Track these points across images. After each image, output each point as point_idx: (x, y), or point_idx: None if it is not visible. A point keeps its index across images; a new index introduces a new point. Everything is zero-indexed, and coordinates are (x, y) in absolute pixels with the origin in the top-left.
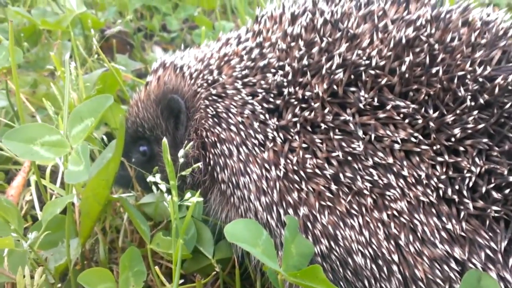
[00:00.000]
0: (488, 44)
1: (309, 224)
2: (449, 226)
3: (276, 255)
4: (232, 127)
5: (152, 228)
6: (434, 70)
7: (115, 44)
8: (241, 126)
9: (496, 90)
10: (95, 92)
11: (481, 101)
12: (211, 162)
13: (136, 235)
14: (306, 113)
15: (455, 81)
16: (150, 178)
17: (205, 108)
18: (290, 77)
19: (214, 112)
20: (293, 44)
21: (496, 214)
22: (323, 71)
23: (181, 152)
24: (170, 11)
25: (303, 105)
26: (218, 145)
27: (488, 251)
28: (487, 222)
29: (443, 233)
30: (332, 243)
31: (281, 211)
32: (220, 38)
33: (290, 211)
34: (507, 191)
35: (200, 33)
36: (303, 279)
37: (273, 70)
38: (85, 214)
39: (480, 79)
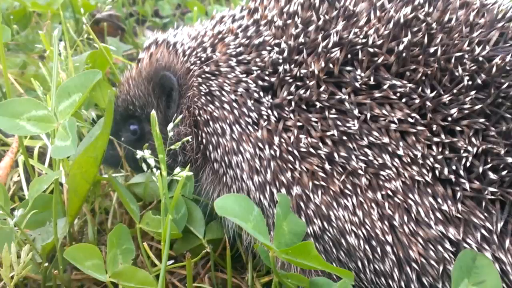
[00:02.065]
0: (486, 25)
1: (302, 204)
2: (444, 207)
3: (267, 232)
4: (225, 105)
5: (142, 208)
6: (431, 50)
7: (106, 28)
8: (234, 104)
9: (494, 70)
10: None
11: (479, 81)
12: (204, 140)
13: (126, 217)
14: (301, 92)
15: (453, 61)
16: (139, 153)
17: (198, 86)
18: (285, 54)
19: (207, 90)
20: (289, 21)
21: (492, 197)
22: (319, 50)
23: (170, 125)
24: None
25: (298, 83)
26: (211, 123)
27: (483, 231)
28: (483, 203)
29: (438, 214)
30: (325, 224)
31: (274, 191)
32: (214, 16)
33: (283, 190)
34: (504, 172)
35: (192, 17)
36: (295, 256)
37: (268, 48)
38: (72, 191)
39: (479, 59)
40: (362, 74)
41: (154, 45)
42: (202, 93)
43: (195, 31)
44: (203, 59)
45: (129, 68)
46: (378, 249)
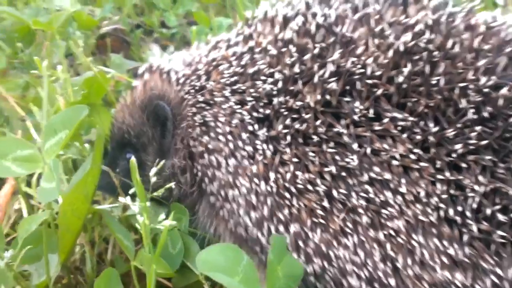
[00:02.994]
0: (493, 50)
1: (300, 242)
2: (450, 250)
3: (258, 282)
4: (221, 137)
5: (140, 241)
6: (434, 80)
7: (109, 43)
8: (229, 136)
9: (501, 101)
10: (81, 97)
11: (485, 113)
12: (199, 173)
13: None
14: (298, 124)
15: (456, 91)
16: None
17: (192, 116)
18: (280, 85)
19: (202, 121)
20: (284, 49)
21: (501, 240)
22: (315, 79)
23: (153, 171)
24: (168, 6)
25: (294, 116)
26: (206, 155)
27: (493, 278)
28: (493, 246)
29: (443, 257)
30: (325, 263)
31: (272, 228)
32: (210, 40)
33: (281, 227)
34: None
35: (197, 31)
36: None
37: (263, 78)
38: (64, 229)
39: (484, 90)
40: (361, 107)
41: (148, 72)
42: (197, 123)
43: (190, 56)
44: (197, 88)
45: (124, 95)
46: None
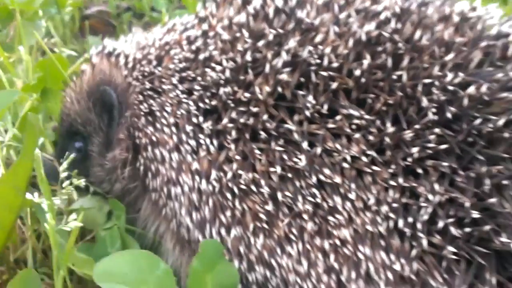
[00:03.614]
0: (468, 43)
1: (242, 248)
2: (396, 266)
3: None
4: (166, 129)
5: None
6: (396, 75)
7: (90, 25)
8: (173, 128)
9: (465, 101)
10: (36, 81)
11: (448, 114)
12: (142, 167)
13: None
14: (245, 118)
15: (419, 89)
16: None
17: (138, 104)
18: (227, 74)
19: (148, 110)
20: (238, 35)
21: (452, 256)
22: (267, 69)
23: (64, 165)
24: None
25: (242, 109)
26: (150, 148)
27: None
28: (445, 262)
29: (389, 273)
30: (267, 272)
31: (214, 231)
32: (167, 22)
33: (223, 231)
34: (468, 229)
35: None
36: None
37: (213, 65)
38: None
39: (450, 88)
40: (314, 102)
41: (98, 55)
42: (142, 113)
43: (145, 39)
44: (146, 73)
45: (73, 80)
46: None
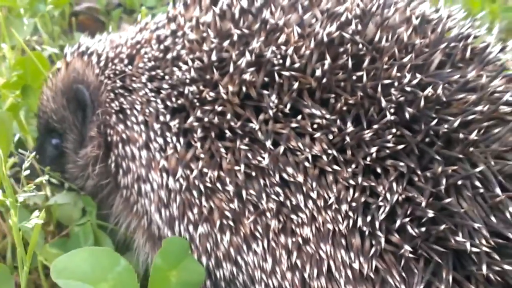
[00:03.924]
0: (429, 45)
1: (209, 245)
2: (355, 264)
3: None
4: (135, 127)
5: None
6: (357, 75)
7: (78, 21)
8: (142, 126)
9: (422, 102)
10: (16, 78)
11: (407, 115)
12: (113, 164)
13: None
14: (211, 117)
15: (379, 89)
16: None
17: (110, 102)
18: (194, 73)
19: (119, 108)
20: (205, 34)
21: (410, 255)
22: (231, 69)
23: (26, 164)
24: None
25: (207, 107)
26: (121, 145)
27: None
28: (403, 260)
29: (348, 271)
30: (234, 269)
31: (182, 228)
32: (139, 21)
33: (191, 228)
34: (423, 228)
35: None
36: None
37: (181, 64)
38: None
39: (407, 88)
40: (276, 101)
41: (73, 53)
42: (113, 110)
43: (119, 38)
44: (117, 72)
45: (49, 76)
46: None
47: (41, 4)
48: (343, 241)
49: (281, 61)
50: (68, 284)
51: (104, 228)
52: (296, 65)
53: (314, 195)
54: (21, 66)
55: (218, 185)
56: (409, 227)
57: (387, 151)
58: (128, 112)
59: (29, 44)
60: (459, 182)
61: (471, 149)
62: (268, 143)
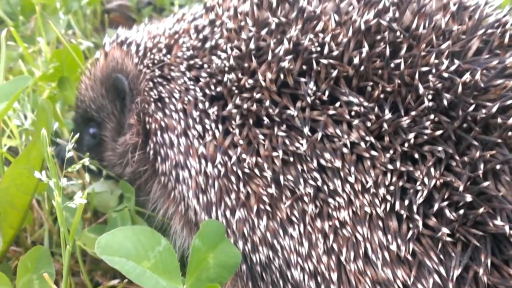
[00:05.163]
0: (467, 32)
1: (246, 230)
2: (393, 246)
3: (177, 268)
4: (174, 114)
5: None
6: (395, 63)
7: (110, 18)
8: (181, 114)
9: (460, 88)
10: (53, 71)
11: (444, 101)
12: (151, 151)
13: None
14: (249, 104)
15: (416, 76)
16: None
17: (148, 91)
18: (231, 61)
19: (157, 96)
20: (243, 23)
21: (448, 238)
22: (269, 57)
23: (69, 145)
24: None
25: (246, 95)
26: (159, 133)
27: (436, 277)
28: (441, 244)
29: (386, 253)
30: (271, 253)
31: (219, 213)
32: (176, 12)
33: (228, 213)
34: (461, 211)
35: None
36: None
37: (220, 53)
38: (8, 205)
39: (445, 75)
40: (315, 88)
41: (111, 43)
42: (152, 99)
43: (157, 29)
44: (155, 61)
45: (88, 67)
46: (323, 287)
47: (75, 1)
48: (380, 224)
49: (318, 48)
50: (112, 260)
51: (141, 215)
52: (334, 53)
53: (351, 179)
54: (58, 58)
55: (256, 171)
56: (447, 211)
57: (425, 137)
58: (167, 100)
59: (64, 39)
60: (497, 167)
61: (510, 133)
62: (306, 130)
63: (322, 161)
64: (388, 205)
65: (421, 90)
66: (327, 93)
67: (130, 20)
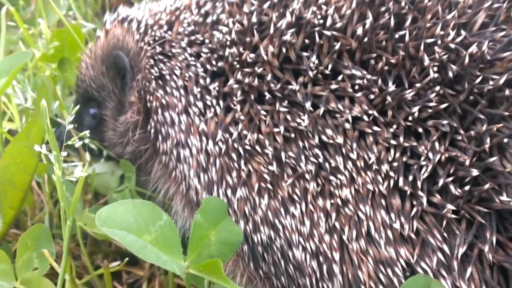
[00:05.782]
0: (473, 5)
1: (247, 209)
2: (396, 224)
3: (179, 243)
4: (175, 92)
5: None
6: (399, 34)
7: (111, 5)
8: (182, 91)
9: (466, 60)
10: (53, 51)
11: (450, 73)
12: (152, 130)
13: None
14: (251, 79)
15: (421, 48)
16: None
17: (149, 68)
18: (234, 36)
19: (158, 74)
20: None
21: (453, 215)
22: (272, 31)
23: (69, 118)
24: None
25: (247, 70)
26: (160, 111)
27: (440, 255)
28: (445, 221)
29: (388, 232)
30: (272, 233)
31: (221, 192)
32: None
33: (229, 192)
34: (467, 187)
35: None
36: (207, 274)
37: (221, 28)
38: (8, 183)
39: (451, 46)
40: (316, 62)
41: (112, 21)
42: (153, 76)
43: (158, 6)
44: (156, 38)
45: (89, 46)
46: (325, 267)
47: None
48: (383, 202)
49: (321, 21)
50: (113, 233)
51: (142, 195)
52: (337, 25)
53: (353, 156)
54: (59, 38)
55: (257, 148)
56: (451, 187)
57: (429, 110)
58: (168, 77)
59: (60, 23)
60: (504, 141)
61: None
62: (308, 105)
63: (324, 138)
64: (392, 182)
65: (426, 62)
66: (329, 67)
67: (131, 6)
